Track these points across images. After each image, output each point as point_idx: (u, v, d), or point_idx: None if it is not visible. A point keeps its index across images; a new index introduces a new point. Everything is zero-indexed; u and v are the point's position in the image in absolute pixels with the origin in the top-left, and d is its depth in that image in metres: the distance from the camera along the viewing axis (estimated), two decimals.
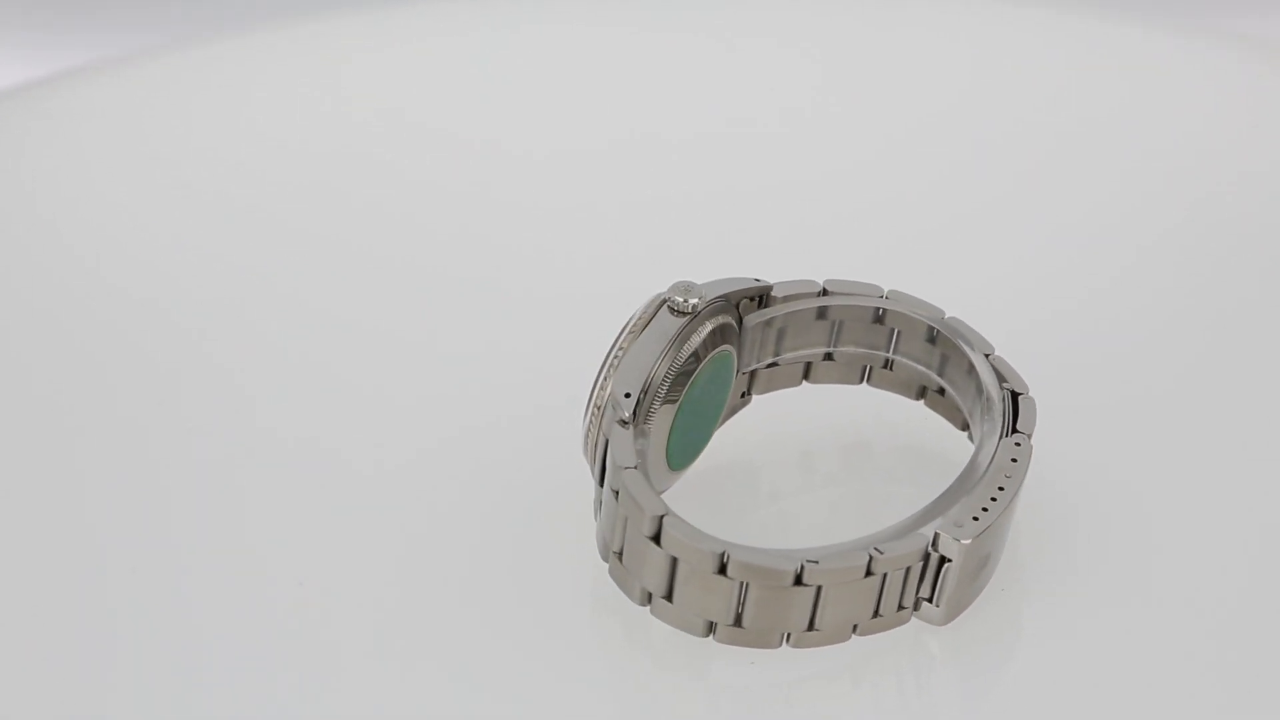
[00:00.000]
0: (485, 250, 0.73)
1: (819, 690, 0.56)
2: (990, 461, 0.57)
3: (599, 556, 0.59)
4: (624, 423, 0.57)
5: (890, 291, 0.62)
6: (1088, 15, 0.84)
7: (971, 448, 0.61)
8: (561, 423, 0.62)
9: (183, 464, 0.63)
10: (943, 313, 0.62)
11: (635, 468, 0.56)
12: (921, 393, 0.63)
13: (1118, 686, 0.55)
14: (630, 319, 0.60)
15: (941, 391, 0.63)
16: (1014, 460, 0.57)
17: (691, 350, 0.59)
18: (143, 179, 0.77)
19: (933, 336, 0.61)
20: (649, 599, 0.57)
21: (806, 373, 0.64)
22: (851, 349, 0.63)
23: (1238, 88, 0.81)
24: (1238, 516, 0.60)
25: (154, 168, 0.78)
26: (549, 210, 0.75)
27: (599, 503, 0.59)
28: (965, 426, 0.62)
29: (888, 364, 0.63)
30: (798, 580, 0.54)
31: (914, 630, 0.57)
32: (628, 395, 0.57)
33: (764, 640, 0.56)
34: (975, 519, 0.55)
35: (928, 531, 0.55)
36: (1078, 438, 0.62)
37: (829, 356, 0.63)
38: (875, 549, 0.54)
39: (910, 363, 0.63)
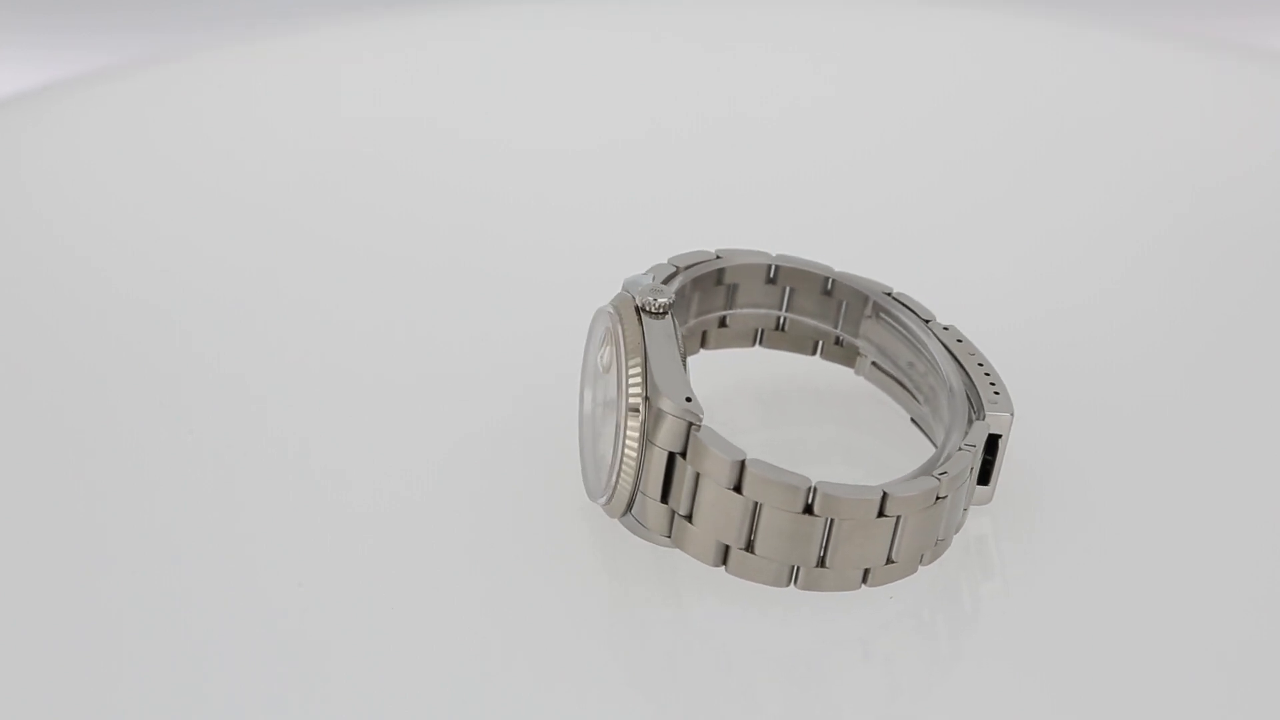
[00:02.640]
0: (488, 246, 0.76)
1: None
2: (946, 350, 0.63)
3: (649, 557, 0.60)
4: (697, 426, 0.57)
5: (720, 250, 0.65)
6: (1084, 24, 0.90)
7: (822, 366, 0.67)
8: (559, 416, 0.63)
9: (180, 463, 0.63)
10: (769, 254, 0.66)
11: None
12: (757, 337, 0.67)
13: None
14: (616, 338, 0.59)
15: (781, 327, 0.67)
16: (959, 341, 0.63)
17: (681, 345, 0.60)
18: (152, 182, 0.79)
19: (772, 277, 0.65)
20: (794, 575, 0.57)
21: None
22: (695, 320, 0.66)
23: (1231, 93, 0.87)
24: (1211, 505, 0.64)
25: (163, 171, 0.80)
26: (554, 208, 0.78)
27: (665, 520, 0.58)
28: (815, 349, 0.67)
29: (722, 321, 0.66)
30: (938, 498, 0.58)
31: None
32: (689, 400, 0.57)
33: (909, 571, 0.59)
34: (998, 393, 0.61)
35: (974, 429, 0.60)
36: (1061, 429, 0.66)
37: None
38: (965, 445, 0.59)
39: (749, 310, 0.66)
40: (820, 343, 0.67)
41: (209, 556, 0.60)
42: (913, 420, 0.65)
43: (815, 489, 0.55)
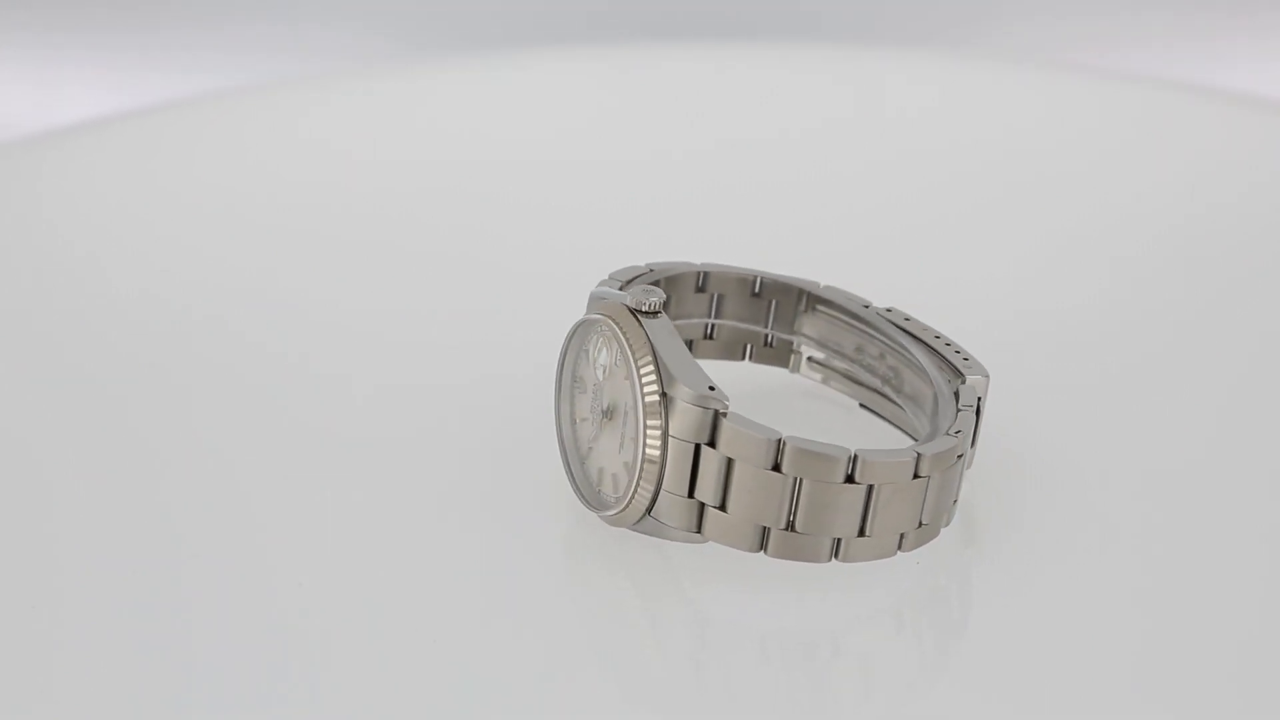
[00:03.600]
0: (489, 247, 0.79)
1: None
2: (900, 330, 0.64)
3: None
4: (724, 413, 0.56)
5: (651, 263, 0.65)
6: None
7: (751, 370, 0.67)
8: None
9: (179, 464, 0.64)
10: (694, 262, 0.65)
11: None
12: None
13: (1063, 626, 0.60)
14: (619, 340, 0.58)
15: (710, 335, 0.66)
16: (908, 319, 0.65)
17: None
18: (192, 212, 0.83)
19: (701, 285, 0.65)
20: (838, 548, 0.57)
21: None
22: None
23: (1221, 132, 0.93)
24: (1176, 486, 0.65)
25: (203, 202, 0.83)
26: (557, 210, 0.82)
27: (692, 514, 0.57)
28: (744, 353, 0.67)
29: None
30: (959, 456, 0.59)
31: None
32: (712, 389, 0.57)
33: (934, 533, 0.59)
34: (966, 360, 0.63)
35: (963, 391, 0.61)
36: (1037, 414, 0.67)
37: None
38: (963, 407, 0.60)
39: (681, 322, 0.66)
40: (749, 345, 0.67)
41: (209, 556, 0.60)
42: (862, 405, 0.66)
43: (856, 457, 0.55)
